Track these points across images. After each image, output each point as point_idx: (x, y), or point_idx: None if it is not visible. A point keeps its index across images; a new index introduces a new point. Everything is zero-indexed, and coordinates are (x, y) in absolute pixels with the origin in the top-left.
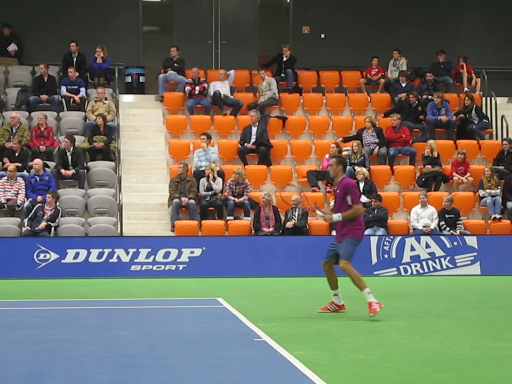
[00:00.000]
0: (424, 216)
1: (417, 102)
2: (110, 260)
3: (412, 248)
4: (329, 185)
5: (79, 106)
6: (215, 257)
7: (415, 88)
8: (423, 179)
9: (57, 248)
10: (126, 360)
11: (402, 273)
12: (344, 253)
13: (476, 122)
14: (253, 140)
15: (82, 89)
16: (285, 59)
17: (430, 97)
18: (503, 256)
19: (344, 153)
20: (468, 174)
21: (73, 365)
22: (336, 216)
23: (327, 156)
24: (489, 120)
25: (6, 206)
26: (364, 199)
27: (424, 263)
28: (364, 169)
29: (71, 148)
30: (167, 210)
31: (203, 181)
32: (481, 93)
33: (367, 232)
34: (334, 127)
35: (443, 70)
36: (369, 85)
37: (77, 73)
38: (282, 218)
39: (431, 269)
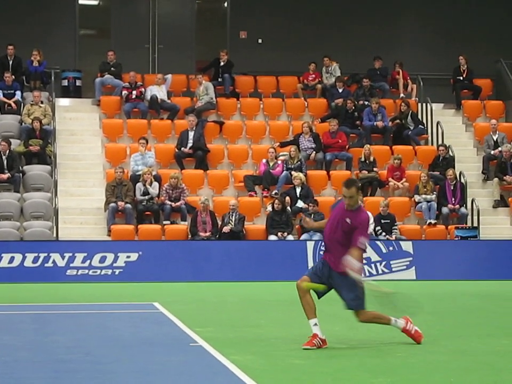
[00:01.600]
0: None
1: (353, 107)
2: (46, 265)
3: None
4: (266, 190)
5: (14, 110)
6: (151, 261)
7: (351, 94)
8: (359, 184)
9: None
10: (61, 365)
11: None
12: (356, 300)
13: (411, 128)
14: (189, 145)
15: (18, 93)
16: (222, 64)
17: (366, 103)
18: (438, 261)
19: (281, 158)
20: (404, 179)
21: (8, 370)
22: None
23: (264, 160)
24: (425, 126)
25: None
26: (300, 204)
27: None
28: (301, 174)
29: (7, 152)
30: (103, 214)
31: (139, 185)
32: (417, 99)
33: (303, 237)
34: (271, 132)
35: (379, 76)
36: (306, 90)
37: (13, 77)
38: (219, 223)
39: (367, 274)
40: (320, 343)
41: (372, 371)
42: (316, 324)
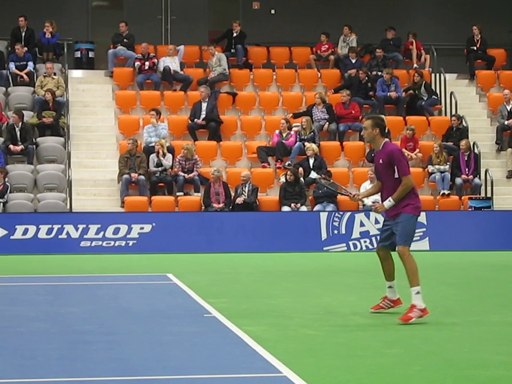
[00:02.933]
0: None
1: (367, 78)
2: (60, 236)
3: (361, 224)
4: (279, 161)
5: (27, 82)
6: (165, 233)
7: (364, 65)
8: (373, 155)
9: (6, 224)
10: (76, 337)
11: (352, 249)
12: (402, 235)
13: (425, 98)
14: (203, 116)
15: (30, 64)
16: (235, 35)
17: (379, 73)
18: (452, 232)
19: (294, 129)
20: (417, 150)
21: (23, 341)
22: (389, 203)
23: (277, 131)
24: (438, 96)
25: None
26: (313, 175)
27: (373, 238)
28: (314, 145)
29: (20, 124)
30: (116, 186)
31: (153, 157)
32: (431, 69)
33: (316, 208)
34: (284, 103)
35: (392, 46)
36: (319, 61)
37: (25, 49)
38: (232, 194)
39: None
40: (391, 305)
41: (385, 341)
42: (390, 287)
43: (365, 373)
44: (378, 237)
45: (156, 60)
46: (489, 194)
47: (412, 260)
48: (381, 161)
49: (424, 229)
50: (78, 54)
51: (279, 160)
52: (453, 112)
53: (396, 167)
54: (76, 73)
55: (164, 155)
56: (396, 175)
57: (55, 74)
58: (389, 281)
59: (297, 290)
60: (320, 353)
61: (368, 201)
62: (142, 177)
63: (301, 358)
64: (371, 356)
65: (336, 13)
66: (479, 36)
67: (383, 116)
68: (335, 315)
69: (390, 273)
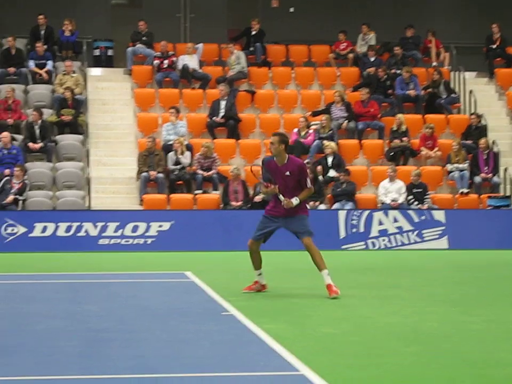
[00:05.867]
0: (392, 190)
1: (385, 76)
2: (78, 234)
3: (380, 223)
4: None
5: (46, 80)
6: (183, 231)
7: (383, 63)
8: (391, 153)
9: (24, 222)
10: (94, 334)
11: (370, 247)
12: (304, 230)
13: (444, 96)
14: (221, 114)
15: (50, 63)
16: (253, 33)
17: (398, 71)
18: (471, 230)
19: (313, 127)
20: (436, 148)
21: (41, 339)
22: (295, 201)
23: (295, 130)
24: (458, 94)
25: None
26: (332, 173)
27: (392, 237)
28: (333, 143)
29: (39, 121)
30: (135, 184)
31: (171, 155)
32: (450, 67)
33: (334, 206)
34: (303, 101)
35: (411, 45)
36: (338, 59)
37: (45, 47)
38: (251, 192)
39: (399, 243)
40: (260, 288)
41: (403, 339)
42: (260, 274)
43: (382, 372)
44: (257, 232)
45: (174, 58)
46: (508, 193)
47: (316, 248)
48: (288, 173)
49: (443, 228)
50: (97, 52)
51: None
52: (472, 111)
53: (304, 179)
54: (95, 71)
55: (183, 153)
56: (309, 185)
57: (74, 72)
58: (258, 270)
59: (316, 289)
60: (338, 351)
61: (281, 197)
62: (160, 175)
63: (319, 356)
64: (389, 355)
65: (355, 11)
66: (499, 34)
67: (287, 134)
68: (353, 314)
69: (259, 262)
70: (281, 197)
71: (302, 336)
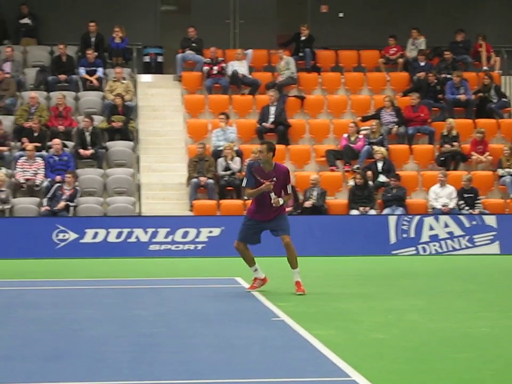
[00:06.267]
0: (443, 195)
1: (436, 81)
2: (129, 240)
3: (431, 228)
4: (347, 164)
5: (97, 87)
6: (233, 236)
7: (433, 67)
8: (442, 158)
9: (76, 228)
10: (145, 340)
11: (421, 252)
12: (287, 228)
13: (494, 101)
14: (271, 119)
15: (100, 70)
16: (303, 38)
17: (448, 76)
18: None
19: (363, 132)
20: (487, 153)
21: (93, 344)
22: (281, 201)
23: (345, 135)
24: (508, 99)
25: (25, 186)
26: (382, 178)
27: (442, 242)
28: (383, 149)
29: (90, 128)
30: (185, 190)
31: (221, 161)
32: (501, 71)
33: (385, 211)
34: (353, 106)
35: (462, 49)
36: (388, 64)
37: (96, 54)
38: (301, 197)
39: (450, 248)
40: (262, 283)
41: (455, 346)
42: (256, 269)
43: (434, 378)
44: (242, 234)
45: (224, 64)
46: None
47: (294, 247)
48: (275, 178)
49: (495, 233)
50: (147, 59)
51: (347, 164)
52: None
53: (290, 185)
54: (144, 78)
55: (232, 159)
56: (290, 191)
57: (124, 79)
58: (253, 266)
59: (366, 294)
60: (389, 357)
61: (272, 193)
62: (210, 181)
63: (370, 362)
64: (440, 361)
65: (405, 16)
66: None
67: (273, 142)
68: (404, 319)
69: (252, 258)
70: (272, 194)
71: (352, 342)
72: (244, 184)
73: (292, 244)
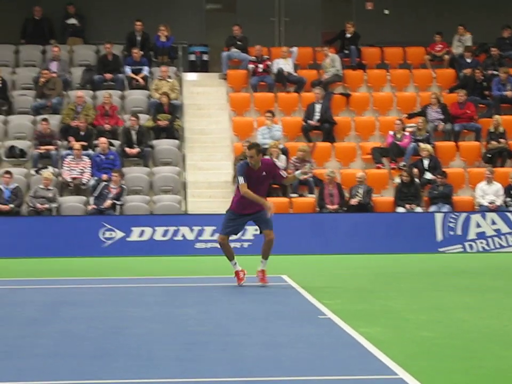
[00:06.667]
0: (489, 192)
1: (482, 77)
2: (175, 238)
3: (478, 225)
4: (393, 162)
5: (142, 85)
6: (279, 234)
7: (480, 64)
8: (489, 155)
9: (122, 226)
10: (191, 337)
11: (468, 250)
12: (271, 223)
13: None
14: (316, 117)
15: (146, 68)
16: (348, 36)
17: (495, 72)
18: None
19: (409, 129)
20: None
21: (139, 342)
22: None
23: (391, 132)
24: None
25: (71, 185)
26: (428, 175)
27: (490, 239)
28: (429, 146)
29: (136, 127)
30: (231, 188)
31: None
32: None
33: (431, 209)
34: (398, 103)
35: (509, 45)
36: (434, 61)
37: (141, 53)
38: (347, 195)
39: (497, 246)
40: (243, 275)
41: (504, 343)
42: (236, 263)
43: (482, 376)
44: (228, 229)
45: (269, 62)
46: None
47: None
48: (264, 173)
49: None
50: (192, 57)
51: (393, 161)
52: None
53: (278, 173)
54: (190, 76)
55: (278, 156)
56: (285, 175)
57: (169, 77)
58: (233, 260)
59: (413, 292)
60: (436, 355)
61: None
62: None
63: (417, 360)
64: (489, 359)
65: (451, 12)
66: None
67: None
68: (451, 317)
69: (232, 252)
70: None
71: (399, 340)
72: (241, 181)
73: (273, 241)
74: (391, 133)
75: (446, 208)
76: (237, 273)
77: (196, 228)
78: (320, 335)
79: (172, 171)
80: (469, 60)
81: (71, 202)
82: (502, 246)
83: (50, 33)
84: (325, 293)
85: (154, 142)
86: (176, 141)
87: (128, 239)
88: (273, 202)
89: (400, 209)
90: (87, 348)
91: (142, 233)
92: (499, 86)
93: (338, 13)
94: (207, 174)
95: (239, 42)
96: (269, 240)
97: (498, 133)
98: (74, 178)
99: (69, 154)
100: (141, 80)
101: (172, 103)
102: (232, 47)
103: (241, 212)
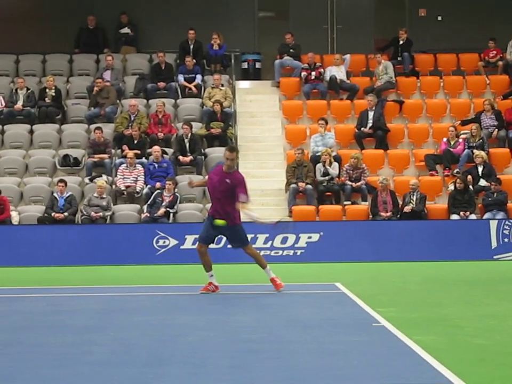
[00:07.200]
0: None
1: None
2: (228, 246)
3: None
4: (447, 169)
5: (195, 94)
6: (332, 242)
7: None
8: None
9: (176, 234)
10: (244, 345)
11: None
12: (244, 239)
13: None
14: (369, 124)
15: (198, 77)
16: (401, 42)
17: None
18: None
19: (463, 136)
20: None
21: (193, 350)
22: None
23: (444, 139)
24: None
25: (125, 193)
26: (482, 182)
27: None
28: (483, 153)
29: (189, 135)
30: (284, 195)
31: (319, 166)
32: None
33: (486, 216)
34: (452, 110)
35: None
36: (488, 67)
37: (194, 61)
38: (400, 202)
39: None
40: (214, 289)
41: None
42: (212, 275)
43: None
44: (203, 235)
45: (322, 70)
46: None
47: (256, 251)
48: (228, 180)
49: None
50: (245, 65)
51: (447, 168)
52: None
53: (239, 193)
54: (243, 84)
55: (331, 164)
56: (244, 200)
57: (222, 85)
58: (210, 271)
59: (467, 299)
60: (491, 363)
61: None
62: (309, 186)
63: (472, 368)
64: None
65: (504, 18)
66: None
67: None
68: (506, 324)
69: (210, 264)
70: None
71: (454, 347)
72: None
73: (253, 250)
74: (445, 139)
75: (500, 215)
76: (209, 283)
77: (249, 236)
78: (374, 343)
79: None
80: None
81: (125, 211)
82: None
83: (104, 43)
84: (379, 300)
85: (207, 150)
86: None
87: (181, 247)
88: (324, 210)
89: (454, 217)
90: (140, 356)
91: (195, 241)
92: None
93: (391, 20)
94: (260, 181)
95: (291, 50)
96: (248, 255)
97: None
98: (127, 187)
99: (122, 163)
100: (193, 89)
101: (225, 111)
102: (284, 55)
103: (214, 216)
